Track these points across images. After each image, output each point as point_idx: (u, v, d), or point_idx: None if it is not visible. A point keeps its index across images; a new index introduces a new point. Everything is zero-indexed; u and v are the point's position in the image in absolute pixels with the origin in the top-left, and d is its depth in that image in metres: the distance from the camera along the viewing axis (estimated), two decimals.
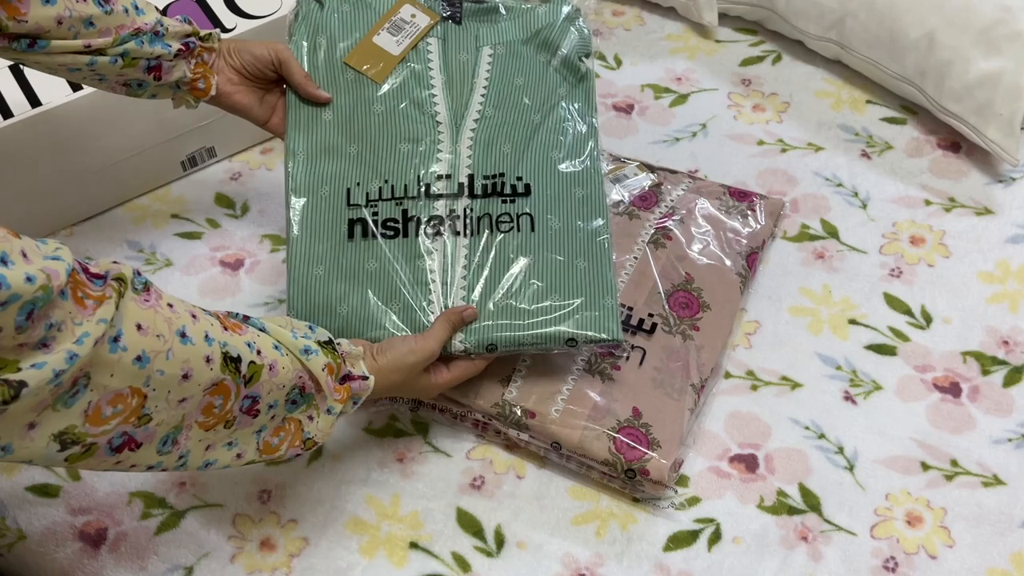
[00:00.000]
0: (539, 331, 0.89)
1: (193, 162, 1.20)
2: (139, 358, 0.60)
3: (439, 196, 0.94)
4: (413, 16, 1.01)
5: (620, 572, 0.88)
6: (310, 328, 0.79)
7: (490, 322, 0.90)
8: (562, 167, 0.97)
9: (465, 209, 0.93)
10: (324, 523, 0.91)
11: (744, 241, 1.06)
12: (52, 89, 1.05)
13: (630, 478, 0.90)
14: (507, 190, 0.94)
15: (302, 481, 0.94)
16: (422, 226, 0.92)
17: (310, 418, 0.77)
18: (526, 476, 0.94)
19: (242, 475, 0.94)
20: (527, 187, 0.94)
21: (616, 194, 1.09)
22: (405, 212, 0.93)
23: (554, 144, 0.98)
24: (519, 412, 0.92)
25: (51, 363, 0.54)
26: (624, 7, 1.41)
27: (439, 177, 0.94)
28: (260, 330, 0.74)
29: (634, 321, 0.98)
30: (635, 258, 1.03)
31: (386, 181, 0.94)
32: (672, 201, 1.09)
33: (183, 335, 0.64)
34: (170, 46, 0.90)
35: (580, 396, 0.93)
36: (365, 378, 0.80)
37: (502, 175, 0.94)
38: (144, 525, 0.91)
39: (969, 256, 1.11)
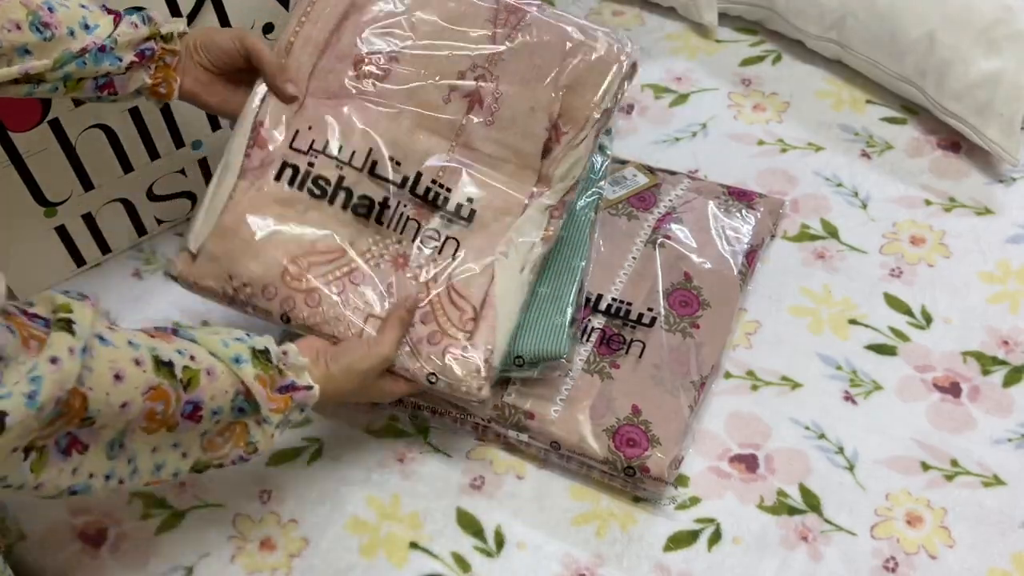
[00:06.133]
0: None
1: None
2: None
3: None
4: None
5: (620, 572, 0.88)
6: (247, 335, 0.76)
7: None
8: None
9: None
10: (324, 523, 0.91)
11: (744, 239, 1.06)
12: None
13: (630, 476, 0.90)
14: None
15: (302, 481, 0.94)
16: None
17: (257, 423, 0.75)
18: (526, 476, 0.94)
19: (242, 475, 0.94)
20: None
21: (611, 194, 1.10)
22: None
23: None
24: (518, 413, 0.93)
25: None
26: (624, 7, 1.41)
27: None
28: (190, 340, 0.72)
29: (633, 316, 0.98)
30: (633, 258, 1.03)
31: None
32: (671, 201, 1.09)
33: (101, 338, 0.63)
34: (120, 59, 0.84)
35: (579, 396, 0.93)
36: (310, 388, 0.78)
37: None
38: (144, 525, 0.91)
39: (969, 256, 1.11)
